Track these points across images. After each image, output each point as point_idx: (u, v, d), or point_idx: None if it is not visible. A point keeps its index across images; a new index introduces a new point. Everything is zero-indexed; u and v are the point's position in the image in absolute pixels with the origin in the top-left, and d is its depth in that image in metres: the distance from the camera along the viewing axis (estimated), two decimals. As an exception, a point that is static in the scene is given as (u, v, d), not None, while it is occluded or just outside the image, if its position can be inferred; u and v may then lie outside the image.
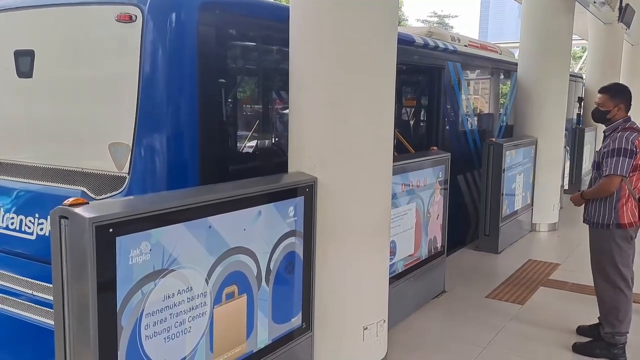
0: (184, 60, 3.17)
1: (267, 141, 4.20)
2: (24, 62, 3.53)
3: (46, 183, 3.46)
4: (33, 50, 3.48)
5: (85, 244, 2.00)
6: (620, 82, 3.95)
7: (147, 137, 3.13)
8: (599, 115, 3.76)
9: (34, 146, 3.61)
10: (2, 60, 3.60)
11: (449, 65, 6.29)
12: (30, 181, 3.55)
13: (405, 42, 5.28)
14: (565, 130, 7.67)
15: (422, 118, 6.31)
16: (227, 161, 3.59)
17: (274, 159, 3.85)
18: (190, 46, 3.18)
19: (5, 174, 3.69)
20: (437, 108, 6.22)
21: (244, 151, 3.92)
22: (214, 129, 3.46)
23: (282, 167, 3.29)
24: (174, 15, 3.12)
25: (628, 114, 3.71)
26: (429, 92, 6.25)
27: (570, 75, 8.71)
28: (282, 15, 3.25)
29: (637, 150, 3.49)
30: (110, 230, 2.06)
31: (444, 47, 6.19)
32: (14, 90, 3.64)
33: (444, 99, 6.24)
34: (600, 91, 3.82)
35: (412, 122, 6.26)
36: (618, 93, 3.72)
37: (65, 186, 3.34)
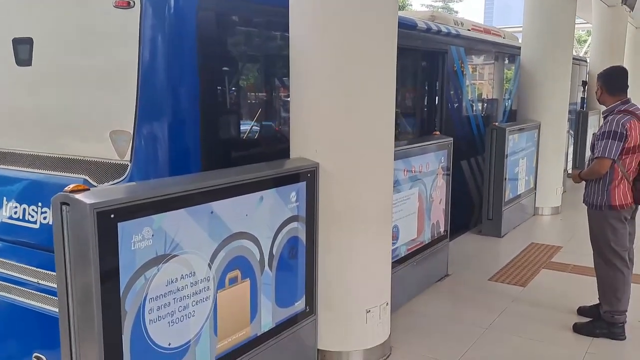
0: (184, 46, 3.14)
1: (269, 127, 4.19)
2: (23, 50, 3.51)
3: (48, 172, 3.46)
4: (32, 38, 3.45)
5: (87, 230, 2.00)
6: (613, 65, 3.93)
7: (148, 124, 3.11)
8: (598, 100, 3.84)
9: (35, 135, 3.60)
10: (1, 49, 3.58)
11: (451, 50, 6.24)
12: (33, 170, 3.54)
13: (407, 26, 5.24)
14: (569, 114, 7.63)
15: (424, 103, 6.28)
16: (229, 147, 3.59)
17: (276, 145, 3.84)
18: (190, 32, 3.15)
19: (8, 163, 3.69)
20: (440, 93, 6.18)
21: (245, 137, 3.92)
22: (215, 115, 3.44)
23: (285, 153, 3.29)
24: (172, 0, 3.09)
25: (627, 96, 3.71)
26: (432, 77, 6.22)
27: (574, 58, 8.64)
28: (283, 0, 3.22)
29: (628, 133, 3.50)
30: (112, 216, 2.07)
31: (446, 31, 6.14)
32: (14, 79, 3.62)
33: (447, 83, 6.20)
34: None
35: (414, 107, 6.24)
36: (599, 76, 3.81)
37: (68, 174, 3.33)
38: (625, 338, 3.67)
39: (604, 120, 3.72)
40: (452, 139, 4.74)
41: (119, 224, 2.09)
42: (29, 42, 3.47)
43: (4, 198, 3.65)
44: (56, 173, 3.41)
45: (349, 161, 3.10)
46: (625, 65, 4.58)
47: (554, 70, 6.93)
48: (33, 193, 3.49)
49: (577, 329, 3.80)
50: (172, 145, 3.15)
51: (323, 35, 3.02)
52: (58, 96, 3.44)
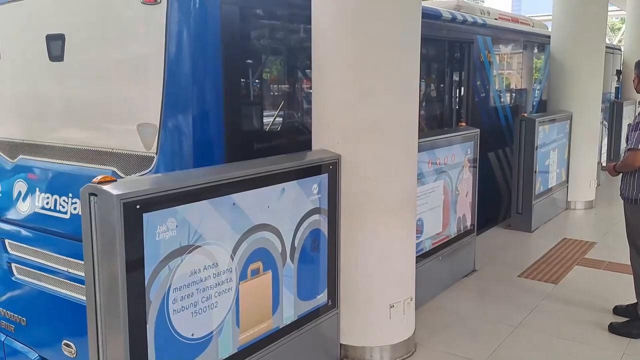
0: (208, 40, 3.18)
1: (291, 119, 4.20)
2: (56, 45, 3.61)
3: (78, 163, 3.56)
4: (64, 34, 3.56)
5: (113, 220, 2.05)
6: None
7: (173, 117, 3.17)
8: (636, 90, 3.76)
9: (66, 128, 3.71)
10: (35, 45, 3.70)
11: (478, 40, 6.11)
12: (64, 162, 3.66)
13: (431, 16, 5.16)
14: (603, 104, 7.38)
15: (450, 94, 6.19)
16: (252, 139, 3.61)
17: (299, 137, 3.85)
18: (214, 26, 3.19)
19: (40, 155, 3.82)
20: (467, 83, 6.07)
21: (269, 130, 3.94)
22: (239, 108, 3.48)
23: (307, 145, 3.29)
24: None
25: None
26: (458, 67, 6.11)
27: (608, 47, 8.35)
28: None
29: None
30: (138, 206, 2.11)
31: (472, 20, 6.02)
32: (47, 74, 3.72)
33: (473, 74, 6.08)
34: None
35: (439, 99, 6.16)
36: (636, 65, 3.72)
37: (97, 166, 3.43)
38: (662, 338, 3.53)
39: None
40: (478, 130, 4.65)
41: (144, 214, 2.13)
42: (61, 38, 3.58)
43: (37, 189, 3.78)
44: (86, 165, 3.51)
45: (372, 153, 3.07)
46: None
47: (585, 59, 6.71)
48: (64, 184, 3.62)
49: (613, 329, 3.67)
50: (197, 137, 3.20)
51: (344, 24, 2.99)
52: (88, 90, 3.54)
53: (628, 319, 3.69)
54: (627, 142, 3.64)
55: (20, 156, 3.95)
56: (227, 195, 2.46)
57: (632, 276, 3.68)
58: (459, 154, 4.39)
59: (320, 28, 3.10)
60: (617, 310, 3.89)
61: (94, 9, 3.45)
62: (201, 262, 2.37)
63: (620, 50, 11.43)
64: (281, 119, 4.09)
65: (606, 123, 8.88)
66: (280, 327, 2.82)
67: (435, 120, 5.94)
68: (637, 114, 3.55)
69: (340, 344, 3.24)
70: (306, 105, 4.00)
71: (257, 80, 3.82)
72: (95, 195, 2.08)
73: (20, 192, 3.93)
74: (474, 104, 6.20)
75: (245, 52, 3.54)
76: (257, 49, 3.77)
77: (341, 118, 3.08)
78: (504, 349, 3.47)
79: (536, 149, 5.90)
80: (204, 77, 3.20)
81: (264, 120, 3.86)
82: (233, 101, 3.35)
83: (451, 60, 6.04)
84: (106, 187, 2.07)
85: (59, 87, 3.70)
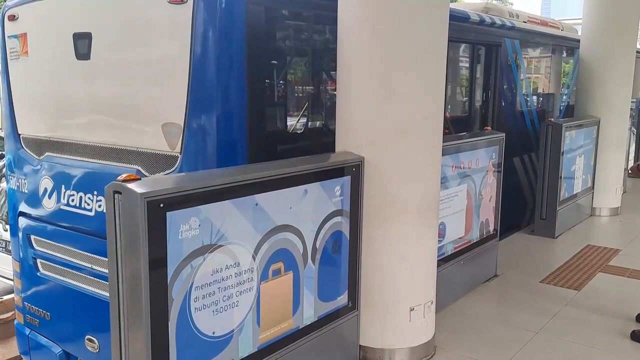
0: (233, 41, 3.19)
1: (315, 121, 4.20)
2: (82, 44, 3.65)
3: (104, 162, 3.61)
4: (90, 33, 3.59)
5: (137, 218, 2.07)
6: None
7: (198, 117, 3.19)
8: None
9: (92, 126, 3.75)
10: (62, 43, 3.75)
11: (506, 42, 6.03)
12: (89, 160, 3.72)
13: (459, 19, 5.11)
14: (631, 110, 7.21)
15: (477, 97, 6.12)
16: (276, 141, 3.62)
17: (322, 139, 3.85)
18: (239, 26, 3.19)
19: (67, 152, 3.88)
20: (493, 87, 5.99)
21: (292, 131, 3.94)
22: (262, 109, 3.49)
23: (330, 147, 3.28)
24: None
25: None
26: (485, 70, 6.03)
27: (638, 51, 8.15)
28: None
29: None
30: (161, 205, 2.13)
31: (500, 23, 5.94)
32: (73, 72, 3.76)
33: (500, 77, 6.00)
34: None
35: (465, 102, 6.10)
36: None
37: (122, 165, 3.47)
38: (688, 348, 3.44)
39: None
40: (504, 134, 4.58)
41: (167, 213, 2.15)
42: (88, 37, 3.62)
43: (63, 186, 3.84)
44: (111, 163, 3.55)
45: (396, 156, 3.05)
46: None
47: (615, 64, 6.56)
48: (89, 182, 3.66)
49: (636, 336, 3.61)
50: (221, 138, 3.21)
51: (370, 25, 2.98)
52: (114, 89, 3.58)
53: (652, 328, 3.62)
54: None
55: (47, 153, 4.01)
56: (249, 195, 2.48)
57: None
58: (483, 158, 4.34)
59: (346, 29, 3.09)
60: (641, 319, 3.81)
61: (121, 8, 3.48)
62: (223, 261, 2.38)
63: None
64: (305, 120, 4.09)
65: (634, 129, 8.67)
66: (301, 327, 2.83)
67: (461, 124, 5.87)
68: None
69: (360, 346, 3.24)
70: (330, 107, 4.00)
71: (281, 81, 3.83)
72: (120, 193, 2.10)
73: (46, 189, 3.98)
74: (501, 108, 6.11)
75: (270, 52, 3.54)
76: (282, 50, 3.77)
77: (366, 120, 3.06)
78: (524, 354, 3.43)
79: (562, 154, 5.79)
80: (228, 77, 3.20)
81: (287, 122, 3.86)
82: (257, 102, 3.35)
83: (478, 63, 5.97)
84: (130, 186, 2.10)
85: (85, 85, 3.74)
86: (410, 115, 3.04)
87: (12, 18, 4.09)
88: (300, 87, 4.18)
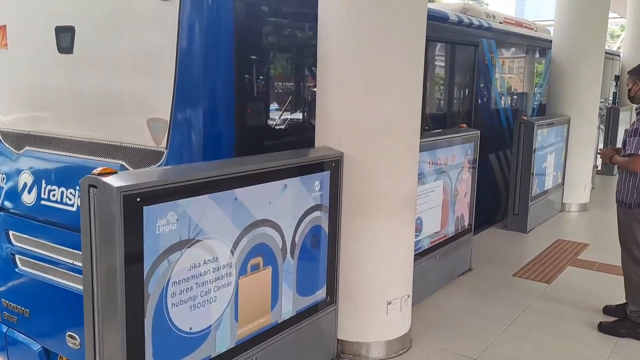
0: (220, 36, 3.13)
1: (300, 116, 4.19)
2: (65, 38, 3.54)
3: (87, 156, 3.51)
4: (73, 27, 3.49)
5: (113, 212, 2.02)
6: None
7: (184, 112, 3.12)
8: (629, 97, 3.78)
9: (75, 120, 3.63)
10: (43, 36, 3.63)
11: (483, 43, 6.13)
12: (72, 154, 3.61)
13: (438, 19, 5.18)
14: (600, 109, 7.42)
15: (455, 96, 6.21)
16: (262, 135, 3.59)
17: (308, 134, 3.85)
18: (227, 22, 3.14)
19: (47, 147, 3.76)
20: (471, 86, 6.08)
21: (277, 126, 3.92)
22: (248, 105, 3.44)
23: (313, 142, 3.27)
24: None
25: None
26: (463, 70, 6.11)
27: (607, 52, 8.38)
28: None
29: None
30: (138, 199, 2.08)
31: (478, 23, 6.03)
32: (55, 66, 3.66)
33: (477, 76, 6.09)
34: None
35: (445, 100, 6.18)
36: (634, 70, 3.75)
37: (105, 159, 3.38)
38: (652, 339, 3.57)
39: (637, 116, 3.62)
40: (479, 131, 4.66)
41: (144, 207, 2.11)
42: (71, 30, 3.51)
43: (43, 181, 3.74)
44: (94, 158, 3.46)
45: (374, 151, 3.07)
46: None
47: (585, 64, 6.74)
48: (71, 176, 3.56)
49: (603, 328, 3.73)
50: (207, 133, 3.15)
51: (350, 20, 2.98)
52: (98, 84, 3.48)
53: (617, 318, 3.75)
54: (624, 147, 3.66)
55: (27, 147, 3.89)
56: (228, 190, 2.45)
57: (622, 277, 3.74)
58: (459, 154, 4.40)
59: (325, 25, 3.08)
60: (607, 310, 3.94)
61: (106, 1, 3.39)
62: (201, 256, 2.35)
63: (619, 56, 11.48)
64: (289, 115, 4.07)
65: (603, 127, 8.93)
66: (279, 322, 2.82)
67: (441, 121, 5.94)
68: (635, 119, 3.56)
69: (338, 339, 3.25)
70: (313, 103, 3.99)
71: (267, 77, 3.79)
72: (95, 187, 2.05)
73: (25, 184, 3.88)
74: (477, 106, 6.20)
75: (256, 47, 3.49)
76: (268, 45, 3.73)
77: (345, 116, 3.07)
78: (497, 345, 3.51)
79: (534, 151, 5.92)
80: (215, 73, 3.15)
81: (273, 117, 3.83)
82: (243, 97, 3.31)
83: (457, 62, 6.05)
84: (106, 179, 2.05)
85: (67, 79, 3.63)
86: (389, 111, 3.06)
87: None
88: (287, 83, 4.15)
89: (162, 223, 2.17)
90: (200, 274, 2.36)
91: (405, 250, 3.32)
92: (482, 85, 6.28)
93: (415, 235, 3.68)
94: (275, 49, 3.90)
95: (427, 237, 4.11)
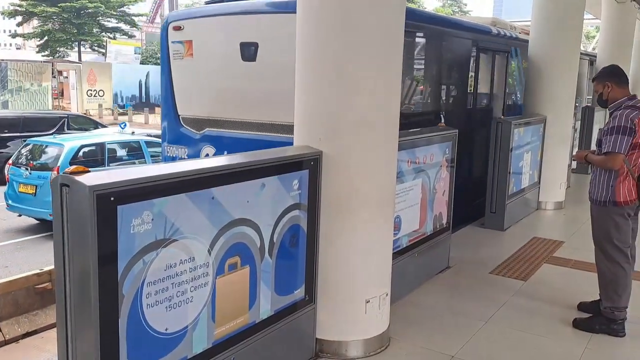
0: None
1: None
2: (249, 50, 4.97)
3: (259, 133, 4.92)
4: (257, 43, 4.92)
5: (86, 212, 1.98)
6: (611, 64, 3.95)
7: None
8: (599, 101, 3.83)
9: (251, 108, 4.99)
10: (226, 49, 5.05)
11: (512, 50, 7.26)
12: (245, 132, 5.02)
13: (485, 32, 6.81)
14: (575, 109, 7.58)
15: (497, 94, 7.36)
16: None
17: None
18: None
19: (224, 128, 5.14)
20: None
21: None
22: None
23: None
24: None
25: (631, 93, 3.69)
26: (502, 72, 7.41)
27: (586, 54, 8.61)
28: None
29: (637, 128, 3.47)
30: (112, 198, 2.05)
31: (509, 35, 7.37)
32: (237, 70, 5.05)
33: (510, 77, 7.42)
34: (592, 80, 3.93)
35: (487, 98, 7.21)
36: (601, 74, 3.81)
37: (276, 134, 4.77)
38: (624, 335, 3.64)
39: (610, 115, 3.68)
40: (457, 130, 4.70)
41: (118, 207, 2.07)
42: (254, 45, 4.96)
43: (225, 152, 4.95)
44: (266, 134, 4.80)
45: (353, 150, 3.06)
46: (632, 61, 4.53)
47: (560, 64, 6.86)
48: (246, 148, 4.10)
49: (577, 324, 3.79)
50: None
51: (329, 22, 2.97)
52: (274, 83, 4.78)
53: (591, 315, 3.82)
54: (598, 146, 3.72)
55: (207, 129, 5.39)
56: (206, 189, 2.42)
57: (596, 274, 3.80)
58: (437, 153, 4.43)
59: (303, 21, 3.07)
60: (582, 307, 4.01)
61: (282, 26, 4.66)
62: (177, 256, 2.32)
63: (595, 57, 11.71)
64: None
65: (577, 127, 9.11)
66: (257, 321, 2.80)
67: (489, 115, 7.01)
68: (612, 117, 3.62)
69: (316, 339, 3.25)
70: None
71: None
72: (68, 186, 2.00)
73: (207, 155, 5.35)
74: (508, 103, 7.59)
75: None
76: None
77: (323, 115, 3.06)
78: (474, 342, 3.55)
79: (511, 150, 6.00)
80: None
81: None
82: None
83: (496, 66, 7.18)
84: (79, 178, 2.00)
85: (249, 80, 5.02)
86: (367, 109, 3.05)
87: (178, 28, 5.51)
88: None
89: (137, 223, 2.14)
90: (177, 274, 2.33)
91: (384, 249, 3.33)
92: (512, 84, 7.75)
93: (394, 234, 3.70)
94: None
95: (405, 236, 4.13)
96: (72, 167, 2.08)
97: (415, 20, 4.93)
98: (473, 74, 6.70)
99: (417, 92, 5.82)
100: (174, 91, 5.62)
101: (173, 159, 5.64)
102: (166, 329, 2.31)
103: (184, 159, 5.45)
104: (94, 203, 1.98)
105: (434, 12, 10.19)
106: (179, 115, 5.61)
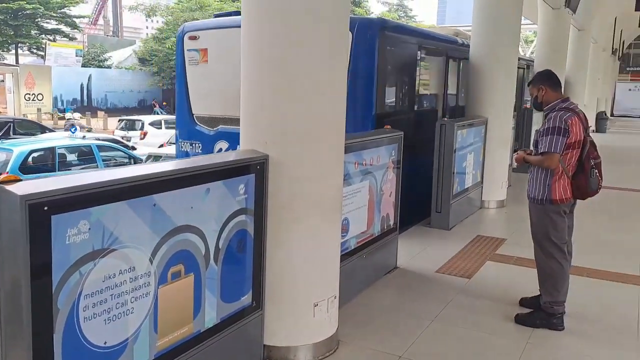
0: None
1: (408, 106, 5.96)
2: None
3: None
4: None
5: (17, 222, 1.89)
6: (545, 69, 4.16)
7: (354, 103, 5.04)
8: (534, 104, 4.00)
9: None
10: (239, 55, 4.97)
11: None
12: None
13: (452, 42, 7.71)
14: (514, 110, 7.92)
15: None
16: (386, 117, 5.80)
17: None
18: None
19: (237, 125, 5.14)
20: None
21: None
22: (379, 98, 5.80)
23: None
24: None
25: (564, 95, 3.87)
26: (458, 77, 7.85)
27: (526, 59, 9.03)
28: None
29: (570, 129, 3.63)
30: (45, 208, 1.96)
31: (467, 43, 7.72)
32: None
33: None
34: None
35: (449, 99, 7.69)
36: (535, 79, 3.97)
37: None
38: (564, 328, 3.80)
39: (545, 117, 3.84)
40: (402, 133, 4.79)
41: (52, 216, 1.98)
42: None
43: (238, 147, 5.40)
44: None
45: (299, 153, 3.06)
46: (566, 66, 4.80)
47: (500, 68, 7.14)
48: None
49: (519, 319, 3.92)
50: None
51: (273, 28, 2.96)
52: None
53: (532, 310, 3.96)
54: (535, 147, 3.88)
55: (220, 126, 6.00)
56: (147, 195, 2.35)
57: (536, 270, 3.95)
58: (384, 155, 4.50)
59: (248, 25, 3.04)
60: (523, 302, 4.15)
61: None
62: (116, 266, 2.24)
63: (532, 61, 12.26)
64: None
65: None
66: (202, 330, 2.74)
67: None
68: (546, 119, 3.78)
69: (264, 345, 3.22)
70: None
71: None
72: (-1, 195, 1.90)
73: (221, 149, 5.86)
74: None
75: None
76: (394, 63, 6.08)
77: (269, 118, 3.04)
78: (421, 341, 3.62)
79: (454, 151, 6.18)
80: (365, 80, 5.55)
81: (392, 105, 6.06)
82: (380, 95, 5.60)
83: (458, 71, 7.88)
84: (10, 187, 1.91)
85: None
86: (312, 113, 3.06)
87: (194, 38, 6.13)
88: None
89: (72, 233, 2.05)
90: (116, 285, 2.25)
91: (332, 251, 3.34)
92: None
93: (342, 236, 3.72)
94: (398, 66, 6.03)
95: (353, 237, 4.17)
96: (3, 176, 1.98)
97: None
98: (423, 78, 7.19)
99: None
100: (189, 93, 6.25)
101: (187, 154, 6.26)
102: (105, 343, 2.23)
103: (198, 153, 6.04)
104: (26, 213, 1.89)
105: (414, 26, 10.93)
106: (193, 115, 6.24)
